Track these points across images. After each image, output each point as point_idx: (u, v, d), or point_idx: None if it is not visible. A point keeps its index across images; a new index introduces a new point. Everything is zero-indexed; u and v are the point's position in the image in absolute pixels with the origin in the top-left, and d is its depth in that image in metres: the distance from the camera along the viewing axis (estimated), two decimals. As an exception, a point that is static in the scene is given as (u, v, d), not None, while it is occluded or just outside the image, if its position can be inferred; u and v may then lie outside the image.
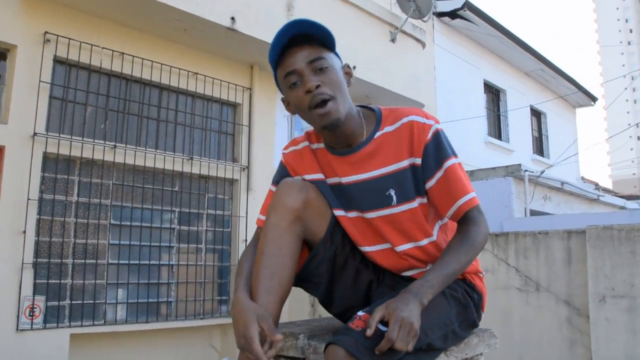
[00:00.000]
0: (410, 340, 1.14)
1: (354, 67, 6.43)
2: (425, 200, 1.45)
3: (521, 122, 12.07)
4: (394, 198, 1.42)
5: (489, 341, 1.59)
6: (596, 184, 16.13)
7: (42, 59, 4.27)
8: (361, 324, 1.21)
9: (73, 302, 4.38)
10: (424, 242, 1.47)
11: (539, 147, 13.16)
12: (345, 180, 1.48)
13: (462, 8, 9.27)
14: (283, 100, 1.49)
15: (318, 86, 1.33)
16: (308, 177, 1.54)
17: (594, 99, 14.66)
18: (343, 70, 1.43)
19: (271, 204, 1.42)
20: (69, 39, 4.43)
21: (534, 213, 8.49)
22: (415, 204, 1.44)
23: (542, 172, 8.44)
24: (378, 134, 1.44)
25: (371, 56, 6.75)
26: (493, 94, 11.37)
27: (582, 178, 15.44)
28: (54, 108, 4.43)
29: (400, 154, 1.42)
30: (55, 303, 4.26)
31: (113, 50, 4.71)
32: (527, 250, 3.90)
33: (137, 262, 4.83)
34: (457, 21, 9.70)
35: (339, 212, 1.50)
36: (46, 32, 4.33)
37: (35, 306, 4.08)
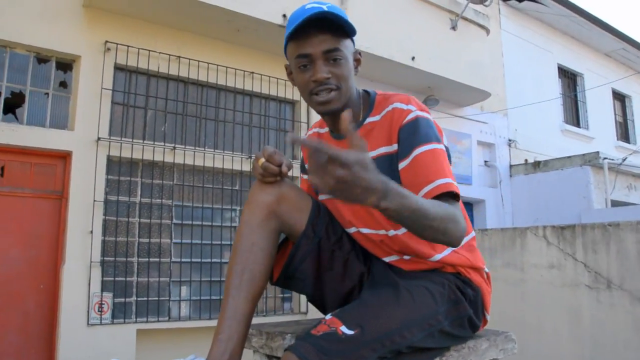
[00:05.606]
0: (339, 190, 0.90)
1: (413, 58, 6.26)
2: None
3: (602, 108, 11.25)
4: None
5: (504, 346, 1.39)
6: (692, 171, 14.79)
7: (103, 67, 4.48)
8: (324, 328, 1.13)
9: (139, 298, 4.57)
10: (392, 232, 1.37)
11: (624, 133, 12.22)
12: None
13: (530, -11, 8.78)
14: (286, 67, 1.46)
15: (327, 78, 1.32)
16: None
17: (686, 78, 13.46)
18: (353, 56, 1.40)
19: (246, 201, 1.41)
20: (128, 46, 4.61)
21: (616, 204, 7.90)
22: None
23: (623, 160, 7.84)
24: (368, 120, 1.42)
25: (431, 46, 6.54)
26: (569, 78, 10.68)
27: (676, 165, 14.22)
28: (116, 113, 4.64)
29: (380, 142, 1.37)
30: (122, 300, 4.46)
31: (170, 55, 4.86)
32: (596, 244, 3.61)
33: (199, 260, 4.96)
34: (525, 4, 9.19)
35: (323, 197, 1.50)
36: (106, 42, 4.53)
37: (103, 302, 4.29)
